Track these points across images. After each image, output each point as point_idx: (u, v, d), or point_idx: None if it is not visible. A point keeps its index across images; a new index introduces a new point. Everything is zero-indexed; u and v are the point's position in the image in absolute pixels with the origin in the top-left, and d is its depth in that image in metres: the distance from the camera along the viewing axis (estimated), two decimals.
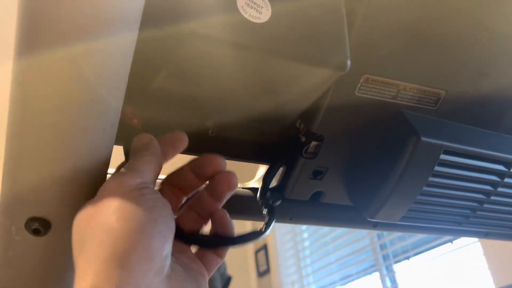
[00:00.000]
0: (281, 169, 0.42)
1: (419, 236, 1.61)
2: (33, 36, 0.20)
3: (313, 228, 2.28)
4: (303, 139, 0.40)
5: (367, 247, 1.92)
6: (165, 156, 0.30)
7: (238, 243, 0.30)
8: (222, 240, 0.31)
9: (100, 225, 0.22)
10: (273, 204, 0.37)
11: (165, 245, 0.23)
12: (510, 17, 0.37)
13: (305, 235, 2.39)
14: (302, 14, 0.28)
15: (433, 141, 0.38)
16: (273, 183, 0.43)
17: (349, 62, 0.29)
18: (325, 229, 2.19)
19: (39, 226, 0.26)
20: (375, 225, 0.50)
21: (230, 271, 2.41)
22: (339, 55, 0.29)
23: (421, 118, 0.40)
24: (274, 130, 0.40)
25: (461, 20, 0.36)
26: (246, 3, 0.26)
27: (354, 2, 0.32)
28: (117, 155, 0.31)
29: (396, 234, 1.75)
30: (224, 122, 0.36)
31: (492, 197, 0.45)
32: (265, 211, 0.35)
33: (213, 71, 0.28)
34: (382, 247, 1.86)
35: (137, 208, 0.23)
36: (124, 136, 0.31)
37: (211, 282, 2.18)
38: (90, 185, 0.27)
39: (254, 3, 0.27)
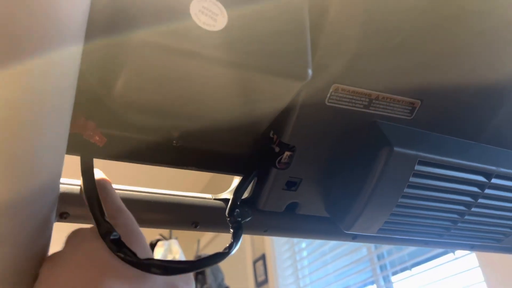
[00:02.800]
0: (253, 181, 0.41)
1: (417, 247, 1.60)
2: None
3: None
4: (276, 149, 0.39)
5: (365, 257, 1.89)
6: None
7: (201, 267, 0.29)
8: (184, 265, 0.29)
9: None
10: (242, 221, 0.36)
11: None
12: (486, 23, 0.36)
13: (303, 245, 2.37)
14: (261, 23, 0.28)
15: (407, 151, 0.37)
16: (246, 194, 0.42)
17: (310, 72, 0.29)
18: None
19: None
20: (354, 237, 0.48)
21: (228, 281, 2.39)
22: (299, 64, 0.28)
23: (395, 128, 0.39)
24: (245, 141, 0.39)
25: (434, 28, 0.35)
26: (200, 10, 0.26)
27: (319, 11, 0.31)
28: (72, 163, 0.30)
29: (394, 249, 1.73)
30: (191, 133, 0.36)
31: (473, 209, 0.44)
32: (232, 230, 0.34)
33: (170, 80, 0.28)
34: (379, 257, 1.84)
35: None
36: (83, 149, 0.31)
37: None
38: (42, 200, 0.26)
39: (209, 10, 0.26)
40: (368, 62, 0.35)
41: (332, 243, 2.11)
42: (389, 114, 0.39)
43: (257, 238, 2.71)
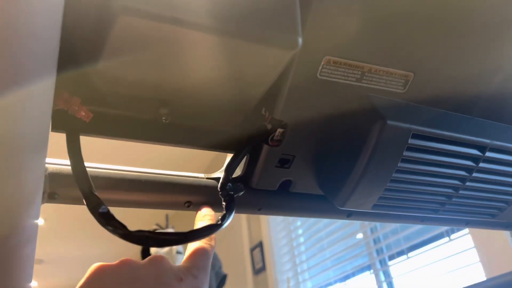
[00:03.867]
0: (245, 158, 0.40)
1: (413, 230, 1.60)
2: None
3: (307, 223, 2.27)
4: (268, 126, 0.38)
5: (361, 242, 1.90)
6: None
7: (193, 238, 0.28)
8: (175, 237, 0.29)
9: None
10: (234, 195, 0.35)
11: None
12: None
13: (300, 231, 2.38)
14: None
15: (400, 124, 0.37)
16: (239, 172, 0.41)
17: (300, 40, 0.28)
18: (319, 224, 2.18)
19: None
20: (349, 215, 0.48)
21: (226, 269, 2.40)
22: (289, 32, 0.27)
23: (388, 101, 0.39)
24: (236, 117, 0.39)
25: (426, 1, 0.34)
26: None
27: None
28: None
29: (389, 228, 1.74)
30: (180, 109, 0.35)
31: (468, 183, 0.44)
32: (224, 203, 0.34)
33: (154, 50, 0.27)
34: (376, 241, 1.85)
35: None
36: (69, 126, 0.30)
37: None
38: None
39: None
40: (359, 33, 0.34)
41: (329, 228, 2.12)
42: (382, 88, 0.38)
43: (254, 225, 2.72)
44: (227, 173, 0.36)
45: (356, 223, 1.94)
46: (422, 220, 0.53)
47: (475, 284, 0.80)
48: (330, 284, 2.10)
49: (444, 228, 1.45)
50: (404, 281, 1.67)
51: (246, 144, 0.38)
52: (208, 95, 0.33)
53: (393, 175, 0.39)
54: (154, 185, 0.38)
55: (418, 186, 0.42)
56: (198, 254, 0.32)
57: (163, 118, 0.34)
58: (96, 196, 0.26)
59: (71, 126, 0.30)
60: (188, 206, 0.39)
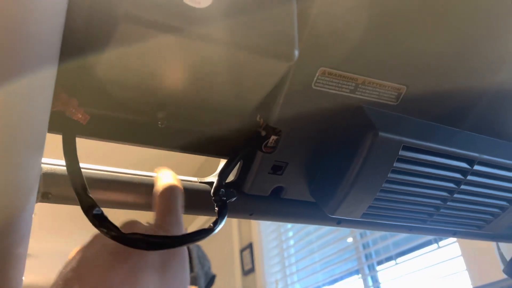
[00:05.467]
0: (239, 164, 0.41)
1: (402, 236, 1.61)
2: None
3: (298, 226, 2.28)
4: (263, 133, 0.39)
5: (351, 247, 1.92)
6: None
7: (186, 242, 0.28)
8: (168, 240, 0.29)
9: None
10: (227, 200, 0.36)
11: None
12: (473, 14, 0.36)
13: (290, 233, 2.39)
14: (248, 2, 0.28)
15: (392, 136, 0.38)
16: (232, 178, 0.42)
17: (296, 53, 0.29)
18: (309, 227, 2.19)
19: None
20: (339, 222, 0.49)
21: (215, 269, 2.40)
22: (286, 44, 0.28)
23: (381, 113, 0.39)
24: (232, 123, 0.39)
25: (421, 12, 0.35)
26: None
27: None
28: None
29: (378, 234, 1.75)
30: (177, 114, 0.35)
31: (456, 195, 0.45)
32: (217, 208, 0.34)
33: (154, 56, 0.27)
34: (365, 246, 1.86)
35: None
36: (65, 127, 0.30)
37: (195, 280, 2.17)
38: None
39: None
40: (355, 47, 0.35)
41: (319, 232, 2.13)
42: (375, 100, 0.39)
43: (245, 227, 2.73)
44: (221, 178, 0.37)
45: (347, 230, 1.95)
46: (410, 229, 0.54)
47: None
48: (319, 287, 2.11)
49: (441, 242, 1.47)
50: (392, 287, 1.68)
51: (241, 150, 0.39)
52: (205, 100, 0.33)
53: (383, 185, 0.40)
54: (148, 187, 0.39)
55: (407, 197, 0.43)
56: (166, 205, 0.32)
57: (159, 122, 0.34)
58: (90, 198, 0.26)
59: (68, 128, 0.30)
60: None
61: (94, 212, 0.26)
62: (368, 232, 1.84)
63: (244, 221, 2.74)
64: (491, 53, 0.39)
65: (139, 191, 0.38)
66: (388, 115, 0.40)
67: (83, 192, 0.27)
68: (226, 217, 0.33)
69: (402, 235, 1.62)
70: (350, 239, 1.92)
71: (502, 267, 0.67)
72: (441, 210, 0.46)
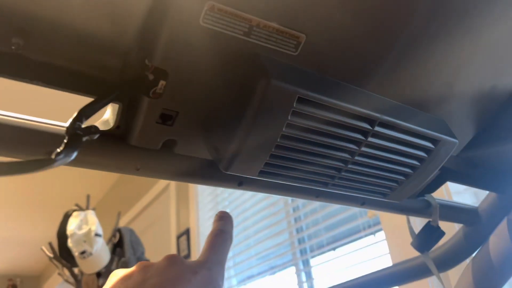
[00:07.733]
0: (118, 109, 0.37)
1: (337, 231, 1.63)
2: None
3: (237, 220, 2.24)
4: (150, 77, 0.35)
5: (286, 241, 1.93)
6: None
7: (18, 172, 0.24)
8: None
9: None
10: (84, 136, 0.31)
11: None
12: None
13: None
14: None
15: (286, 86, 0.35)
16: (111, 125, 0.38)
17: None
18: (248, 221, 2.17)
19: None
20: (240, 183, 0.46)
21: (150, 255, 2.34)
22: None
23: (277, 62, 0.37)
24: (113, 64, 0.35)
25: None
26: None
27: None
28: None
29: (314, 229, 1.77)
30: (38, 41, 0.31)
31: (357, 157, 0.43)
32: (65, 141, 0.29)
33: None
34: (300, 241, 1.88)
35: None
36: None
37: (126, 265, 2.09)
38: None
39: None
40: None
41: (256, 226, 2.12)
42: (272, 47, 0.36)
43: (183, 213, 2.67)
44: (80, 113, 0.32)
45: (283, 224, 1.96)
46: (317, 195, 0.52)
47: (379, 270, 0.82)
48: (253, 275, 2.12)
49: (369, 230, 1.49)
50: (325, 277, 1.71)
51: (115, 91, 0.35)
52: (73, 28, 0.29)
53: (278, 140, 0.38)
54: (13, 131, 0.34)
55: (305, 156, 0.41)
56: (214, 247, 0.35)
57: (13, 47, 0.29)
58: None
59: None
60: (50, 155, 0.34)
61: None
62: (304, 227, 1.86)
63: (183, 207, 2.69)
64: (398, 9, 0.38)
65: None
66: (285, 65, 0.37)
67: None
68: (76, 151, 0.29)
69: (338, 230, 1.64)
70: (286, 235, 1.93)
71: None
72: (343, 173, 0.45)
